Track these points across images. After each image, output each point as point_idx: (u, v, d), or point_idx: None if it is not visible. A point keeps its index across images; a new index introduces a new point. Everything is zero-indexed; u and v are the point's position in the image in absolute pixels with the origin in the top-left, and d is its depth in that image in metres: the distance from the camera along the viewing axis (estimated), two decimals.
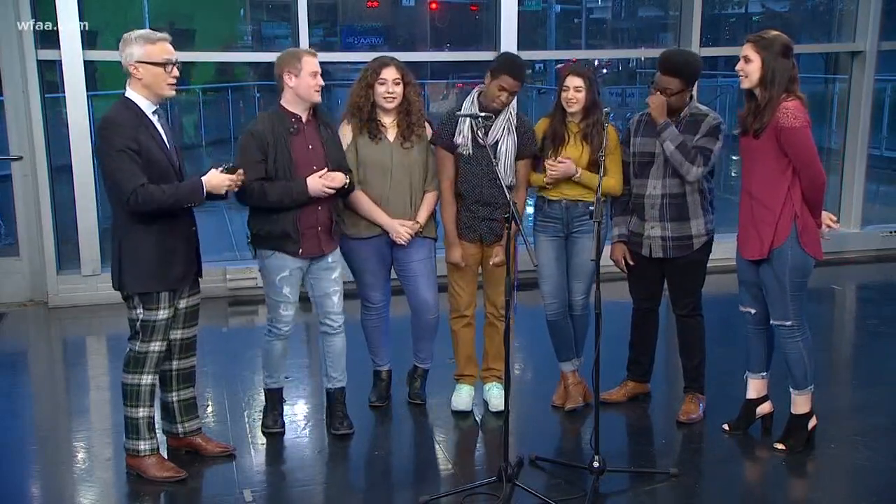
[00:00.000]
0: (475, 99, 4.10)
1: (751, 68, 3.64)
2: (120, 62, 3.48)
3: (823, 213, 3.82)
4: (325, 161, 3.86)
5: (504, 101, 4.02)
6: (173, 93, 3.53)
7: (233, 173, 3.54)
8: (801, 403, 3.88)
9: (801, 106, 3.60)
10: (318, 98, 3.85)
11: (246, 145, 3.78)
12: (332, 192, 3.80)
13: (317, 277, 4.00)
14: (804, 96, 3.67)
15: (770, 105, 3.60)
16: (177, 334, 3.73)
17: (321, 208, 3.87)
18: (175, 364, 3.78)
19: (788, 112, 3.56)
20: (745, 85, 3.69)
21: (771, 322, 3.84)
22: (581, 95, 4.02)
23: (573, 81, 4.03)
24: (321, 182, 3.76)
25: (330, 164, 3.86)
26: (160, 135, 3.49)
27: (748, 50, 3.66)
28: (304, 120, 3.87)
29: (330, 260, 4.00)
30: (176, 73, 3.50)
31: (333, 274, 4.01)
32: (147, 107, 3.47)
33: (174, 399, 3.82)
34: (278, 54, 3.90)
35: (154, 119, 3.48)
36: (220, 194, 3.55)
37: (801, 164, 3.61)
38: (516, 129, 4.09)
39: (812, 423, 3.91)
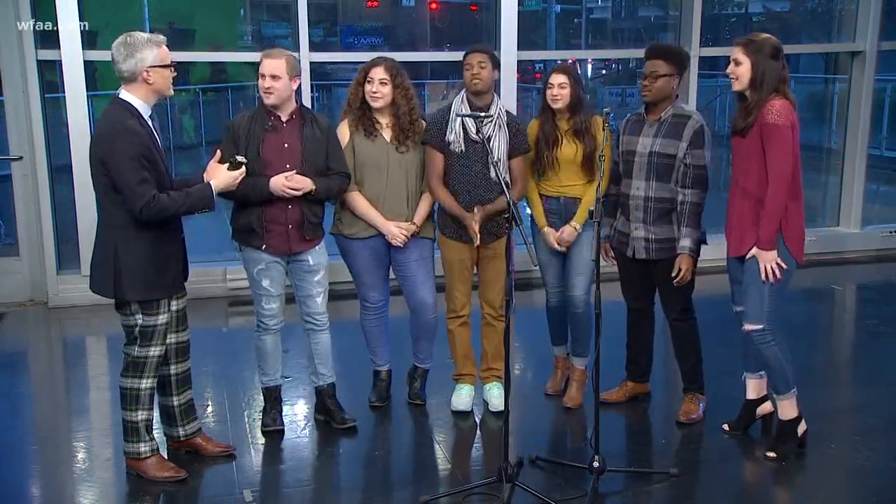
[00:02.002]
0: (464, 98, 4.09)
1: (741, 70, 3.66)
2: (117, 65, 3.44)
3: (764, 254, 3.62)
4: (301, 161, 3.86)
5: (476, 74, 3.99)
6: (172, 91, 3.54)
7: (238, 168, 3.56)
8: (786, 408, 3.84)
9: (788, 106, 3.61)
10: (267, 100, 3.82)
11: (224, 138, 3.86)
12: (296, 193, 3.80)
13: (300, 279, 4.04)
14: (794, 98, 3.68)
15: (758, 105, 3.62)
16: (171, 339, 3.72)
17: (291, 206, 3.87)
18: (173, 369, 3.77)
19: (773, 109, 3.58)
20: (737, 87, 3.71)
21: (743, 328, 3.80)
22: (565, 92, 4.06)
23: (557, 79, 4.06)
24: (283, 181, 3.77)
25: (306, 163, 3.86)
26: (156, 138, 3.48)
27: (738, 53, 3.67)
28: (283, 118, 3.87)
29: (311, 262, 4.00)
30: (175, 72, 3.51)
31: (316, 276, 4.04)
32: (145, 111, 3.44)
33: (175, 403, 3.81)
34: None
35: (150, 122, 3.47)
36: (232, 189, 3.59)
37: (772, 161, 3.58)
38: (507, 126, 4.09)
39: (802, 428, 3.87)
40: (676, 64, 3.97)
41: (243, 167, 3.60)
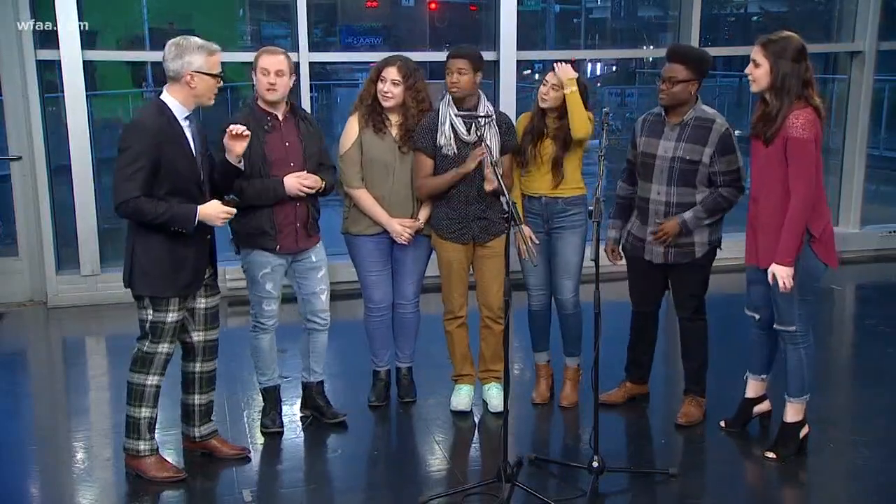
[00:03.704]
0: (450, 101, 4.07)
1: (759, 73, 3.54)
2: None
3: (780, 268, 3.57)
4: (303, 157, 3.91)
5: (454, 82, 3.98)
6: (213, 102, 3.56)
7: (231, 206, 3.52)
8: (793, 412, 3.83)
9: (813, 116, 3.49)
10: (270, 96, 3.84)
11: (221, 139, 3.78)
12: (310, 191, 3.87)
13: (303, 277, 4.06)
14: (821, 103, 3.55)
15: (781, 113, 3.51)
16: (199, 336, 3.74)
17: (299, 205, 3.93)
18: (198, 367, 3.78)
19: (798, 122, 3.47)
20: (754, 89, 3.61)
21: (775, 326, 3.78)
22: (556, 94, 4.04)
23: (552, 79, 4.05)
24: (298, 182, 3.83)
25: (308, 160, 3.92)
26: (188, 143, 3.48)
27: (756, 53, 3.54)
28: (280, 117, 3.89)
29: (314, 259, 4.06)
30: (221, 83, 3.53)
31: (319, 273, 4.08)
32: (180, 112, 3.46)
33: (195, 402, 3.82)
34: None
35: (185, 125, 3.48)
36: (214, 225, 3.54)
37: (795, 178, 3.51)
38: (498, 124, 4.09)
39: (804, 431, 3.86)
40: (696, 68, 3.87)
41: (235, 209, 3.55)
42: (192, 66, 3.41)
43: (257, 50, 3.99)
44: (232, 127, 3.54)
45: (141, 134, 3.37)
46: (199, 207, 3.45)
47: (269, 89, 3.82)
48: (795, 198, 3.52)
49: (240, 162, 3.63)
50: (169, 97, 3.47)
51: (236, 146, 3.57)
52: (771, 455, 3.82)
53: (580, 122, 3.96)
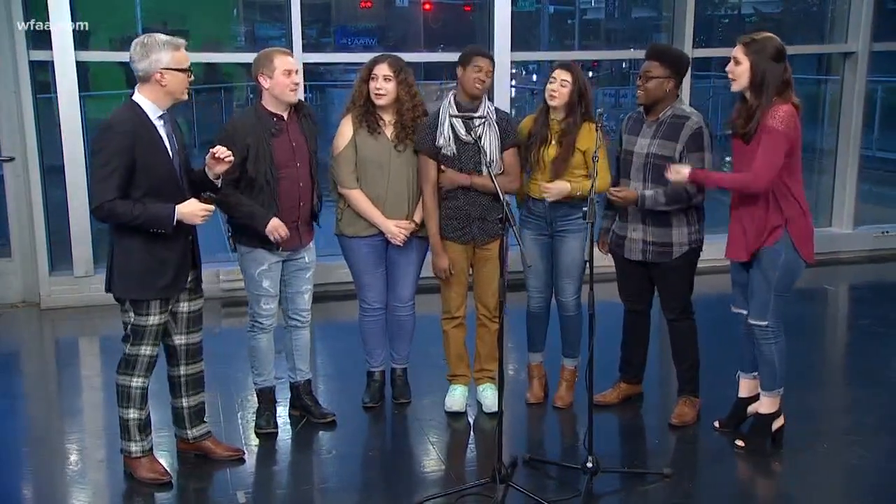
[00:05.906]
0: (451, 101, 4.07)
1: (740, 70, 3.60)
2: (126, 64, 3.41)
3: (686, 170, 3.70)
4: (309, 155, 3.94)
5: (483, 80, 3.99)
6: (187, 96, 3.52)
7: (209, 203, 3.49)
8: (766, 404, 3.88)
9: (792, 112, 3.55)
10: (293, 98, 3.87)
11: (220, 137, 3.79)
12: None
13: (294, 276, 4.09)
14: (799, 103, 3.62)
15: (760, 109, 3.57)
16: (181, 340, 3.71)
17: (303, 204, 3.95)
18: (183, 370, 3.76)
19: (777, 114, 3.53)
20: (735, 88, 3.66)
21: (748, 321, 3.83)
22: (565, 91, 4.02)
23: (561, 74, 4.04)
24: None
25: (312, 157, 3.98)
26: (163, 142, 3.45)
27: (738, 52, 3.62)
28: (285, 118, 3.89)
29: (307, 259, 4.09)
30: (192, 77, 3.50)
31: (308, 274, 4.12)
32: (153, 111, 3.42)
33: (184, 405, 3.80)
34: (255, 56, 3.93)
35: (159, 125, 3.44)
36: (194, 223, 3.47)
37: (759, 159, 3.55)
38: (496, 122, 4.08)
39: (778, 423, 3.90)
40: (671, 66, 3.92)
41: (214, 206, 3.51)
42: (160, 64, 3.37)
43: (251, 50, 3.99)
44: (217, 149, 3.48)
45: (113, 135, 3.33)
46: (177, 207, 3.41)
47: (293, 90, 3.84)
48: (752, 173, 3.57)
49: (217, 179, 3.57)
50: (141, 97, 3.42)
51: (216, 167, 3.51)
52: (740, 443, 3.88)
53: (599, 187, 3.85)
